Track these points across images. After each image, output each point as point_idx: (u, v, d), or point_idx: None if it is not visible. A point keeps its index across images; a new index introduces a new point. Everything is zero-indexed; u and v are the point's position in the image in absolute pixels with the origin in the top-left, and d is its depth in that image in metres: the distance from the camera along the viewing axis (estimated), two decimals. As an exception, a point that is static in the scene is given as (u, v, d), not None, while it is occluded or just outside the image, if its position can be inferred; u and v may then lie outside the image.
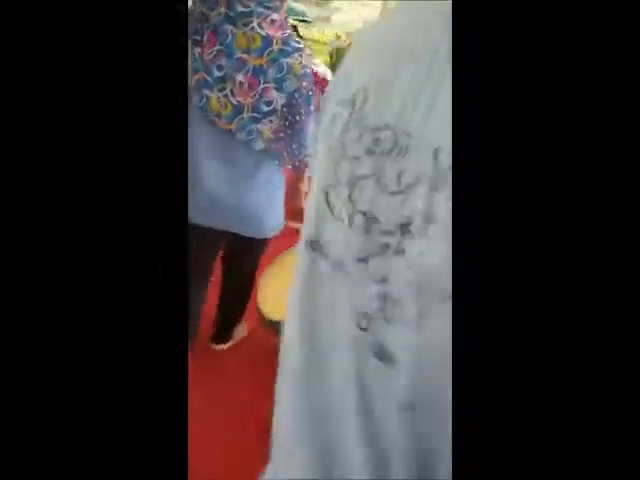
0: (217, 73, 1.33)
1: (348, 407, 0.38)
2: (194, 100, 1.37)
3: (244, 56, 1.32)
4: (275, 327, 1.46)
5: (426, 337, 0.33)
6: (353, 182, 0.36)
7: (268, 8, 1.29)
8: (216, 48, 1.31)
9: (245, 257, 1.72)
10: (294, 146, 1.42)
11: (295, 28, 3.48)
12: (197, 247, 1.45)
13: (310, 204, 0.41)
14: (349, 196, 0.36)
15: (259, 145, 1.40)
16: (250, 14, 1.28)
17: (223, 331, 1.96)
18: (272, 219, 1.57)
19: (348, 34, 4.24)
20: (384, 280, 0.35)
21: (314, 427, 0.41)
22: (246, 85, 1.33)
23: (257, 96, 1.34)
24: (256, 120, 1.37)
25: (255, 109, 1.35)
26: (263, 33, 1.30)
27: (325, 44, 4.31)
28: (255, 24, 1.29)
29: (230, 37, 1.30)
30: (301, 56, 1.34)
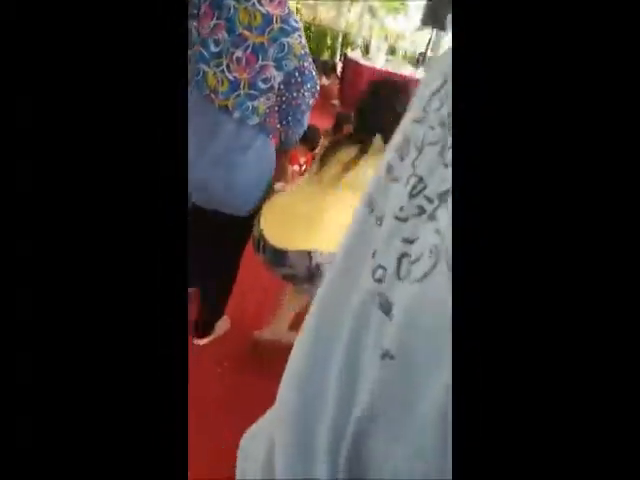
0: (214, 48, 1.31)
1: (337, 352, 0.42)
2: (190, 75, 1.35)
3: (245, 32, 1.30)
4: (276, 257, 1.41)
5: (423, 294, 0.36)
6: (421, 148, 0.39)
7: None
8: (214, 22, 1.29)
9: (228, 241, 1.63)
10: (289, 119, 1.42)
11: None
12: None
13: (380, 163, 0.45)
14: (414, 160, 0.40)
15: (254, 120, 1.39)
16: (251, -11, 1.27)
17: (203, 325, 1.81)
18: (257, 197, 1.54)
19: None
20: (411, 241, 0.38)
21: (308, 369, 0.45)
22: (244, 61, 1.32)
23: (254, 73, 1.33)
24: (252, 97, 1.35)
25: (252, 86, 1.34)
26: (263, 10, 1.28)
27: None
28: (255, 0, 1.27)
29: (232, 11, 1.28)
30: (300, 36, 1.33)
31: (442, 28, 5.43)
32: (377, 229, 0.42)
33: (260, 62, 1.32)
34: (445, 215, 0.35)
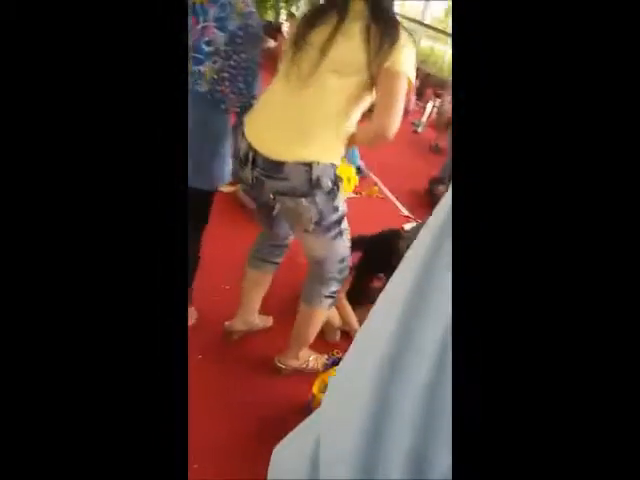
0: None
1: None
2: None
3: (183, -7, 1.25)
4: (270, 169, 1.28)
5: None
6: None
7: None
8: None
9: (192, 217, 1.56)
10: (241, 86, 1.37)
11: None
12: None
13: None
14: None
15: (202, 87, 1.35)
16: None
17: None
18: (219, 170, 1.50)
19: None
20: None
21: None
22: None
23: (197, 35, 1.29)
24: (198, 61, 1.32)
25: (196, 49, 1.31)
26: None
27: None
28: None
29: None
30: None
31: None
32: None
33: (201, 24, 1.28)
34: None
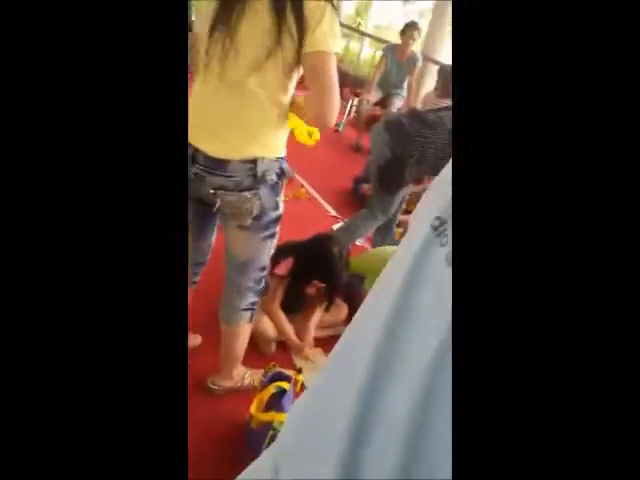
0: None
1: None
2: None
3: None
4: (214, 166, 1.24)
5: None
6: None
7: None
8: None
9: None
10: None
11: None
12: None
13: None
14: None
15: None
16: None
17: None
18: None
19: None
20: None
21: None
22: None
23: None
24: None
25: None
26: None
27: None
28: None
29: None
30: None
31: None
32: (449, 271, 0.34)
33: None
34: None
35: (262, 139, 1.24)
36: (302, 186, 3.42)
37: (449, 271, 0.35)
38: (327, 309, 2.00)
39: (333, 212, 3.28)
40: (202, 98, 1.24)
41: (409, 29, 4.24)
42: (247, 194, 1.25)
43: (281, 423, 1.38)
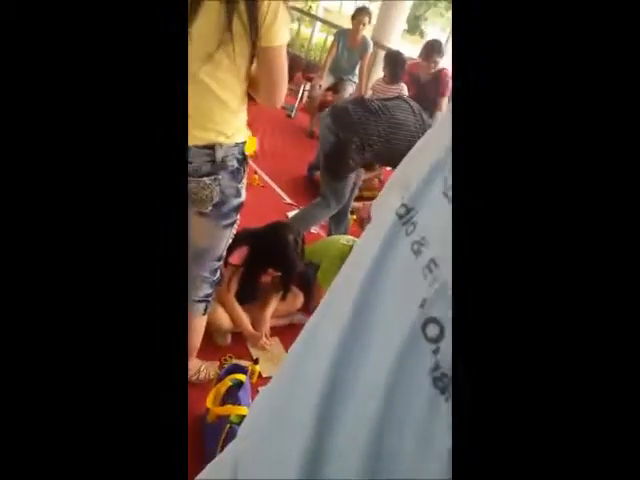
0: None
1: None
2: None
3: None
4: None
5: None
6: None
7: None
8: None
9: None
10: None
11: None
12: None
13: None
14: None
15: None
16: None
17: None
18: None
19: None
20: None
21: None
22: None
23: None
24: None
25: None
26: None
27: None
28: None
29: None
30: None
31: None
32: (415, 259, 0.33)
33: None
34: None
35: (219, 126, 1.24)
36: (255, 172, 3.37)
37: (414, 259, 0.34)
38: (283, 298, 1.98)
39: (287, 199, 3.24)
40: None
41: (360, 14, 4.22)
42: (206, 180, 1.25)
43: (238, 417, 1.36)
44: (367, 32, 4.43)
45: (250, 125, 1.40)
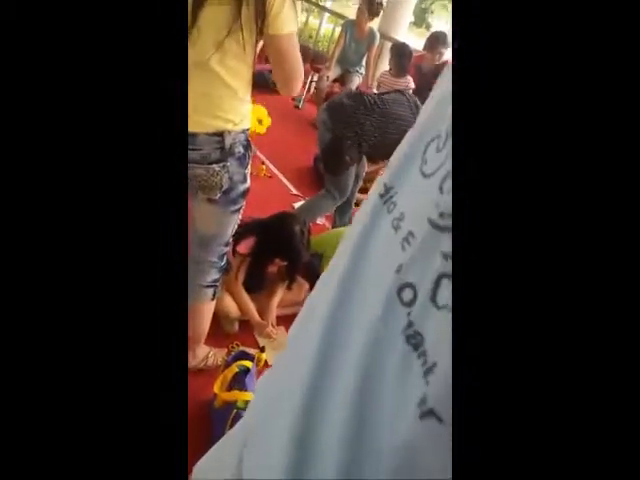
0: None
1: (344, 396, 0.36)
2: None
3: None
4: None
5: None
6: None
7: None
8: None
9: None
10: None
11: None
12: None
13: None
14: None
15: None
16: None
17: None
18: None
19: None
20: None
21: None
22: None
23: None
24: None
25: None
26: None
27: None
28: None
29: None
30: None
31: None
32: (394, 234, 0.36)
33: None
34: None
35: (227, 114, 1.26)
36: (263, 163, 3.39)
37: (394, 234, 0.36)
38: (289, 287, 2.01)
39: (294, 190, 3.26)
40: None
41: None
42: (215, 167, 1.27)
43: (244, 402, 1.40)
44: (374, 24, 4.42)
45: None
